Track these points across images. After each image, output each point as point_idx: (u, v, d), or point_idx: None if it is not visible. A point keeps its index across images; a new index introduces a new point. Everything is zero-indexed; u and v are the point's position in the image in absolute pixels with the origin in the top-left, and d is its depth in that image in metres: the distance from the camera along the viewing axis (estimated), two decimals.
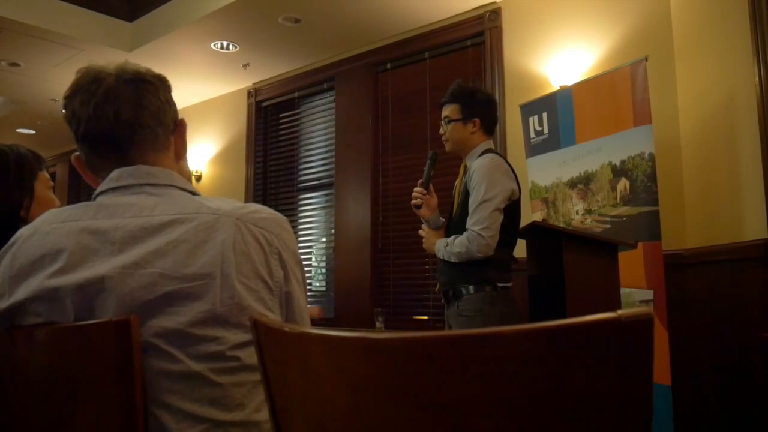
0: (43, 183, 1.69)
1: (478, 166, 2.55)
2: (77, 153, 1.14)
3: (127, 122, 1.07)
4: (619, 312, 0.49)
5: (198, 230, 0.99)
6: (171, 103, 1.15)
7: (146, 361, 0.92)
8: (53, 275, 0.98)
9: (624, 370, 0.50)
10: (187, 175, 1.21)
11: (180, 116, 1.18)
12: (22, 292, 0.99)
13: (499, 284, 2.53)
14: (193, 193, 1.11)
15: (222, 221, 1.01)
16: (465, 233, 2.49)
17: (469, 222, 2.49)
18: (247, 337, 0.97)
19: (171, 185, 1.08)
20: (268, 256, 1.03)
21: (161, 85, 1.13)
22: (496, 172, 2.53)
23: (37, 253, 1.01)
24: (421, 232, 2.78)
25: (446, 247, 2.57)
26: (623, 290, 2.59)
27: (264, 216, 1.06)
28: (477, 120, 2.67)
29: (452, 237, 2.57)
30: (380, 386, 0.57)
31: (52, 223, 1.04)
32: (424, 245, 2.76)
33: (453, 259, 2.54)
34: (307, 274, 5.51)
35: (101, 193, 1.08)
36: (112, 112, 1.05)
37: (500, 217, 2.49)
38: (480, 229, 2.45)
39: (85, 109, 1.06)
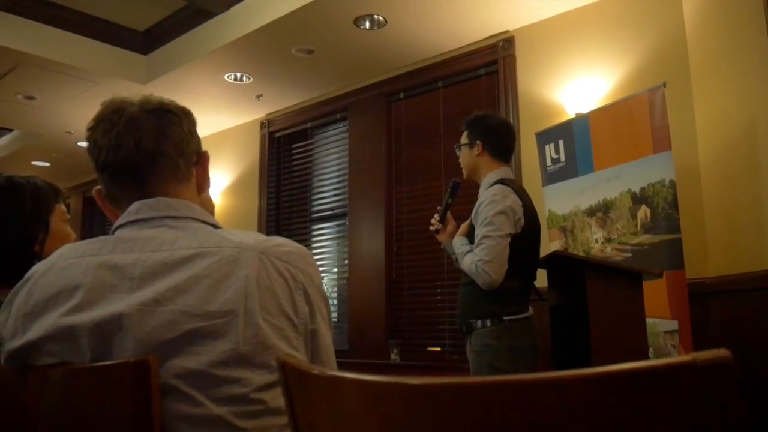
0: (59, 216, 1.67)
1: (482, 200, 2.54)
2: (98, 186, 1.12)
3: (148, 151, 1.04)
4: (693, 355, 0.44)
5: (220, 265, 0.95)
6: (194, 135, 1.13)
7: (165, 404, 0.87)
8: (69, 313, 0.94)
9: (699, 421, 0.45)
10: (210, 207, 1.17)
11: (204, 149, 1.16)
12: (36, 331, 0.95)
13: (506, 317, 2.46)
14: (215, 226, 1.07)
15: (245, 255, 0.97)
16: (474, 259, 2.47)
17: (478, 255, 2.46)
18: (272, 378, 0.92)
19: (192, 218, 1.05)
20: (293, 291, 0.99)
21: (185, 117, 1.12)
22: (503, 206, 2.49)
23: (52, 290, 0.97)
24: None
25: (459, 254, 2.60)
26: (647, 321, 2.51)
27: (288, 250, 1.02)
28: (479, 143, 2.65)
29: (467, 248, 2.56)
30: None
31: (68, 258, 1.01)
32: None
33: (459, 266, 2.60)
34: None
35: (120, 226, 1.04)
36: (133, 142, 1.03)
37: (507, 251, 2.45)
38: (486, 265, 2.42)
39: (107, 138, 1.04)
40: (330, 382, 0.60)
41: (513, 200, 2.52)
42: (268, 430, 0.92)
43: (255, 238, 1.02)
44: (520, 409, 0.48)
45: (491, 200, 2.49)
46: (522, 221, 2.51)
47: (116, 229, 1.05)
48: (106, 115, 1.06)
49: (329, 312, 1.08)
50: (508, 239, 2.45)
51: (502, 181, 2.61)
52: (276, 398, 0.92)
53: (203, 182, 1.15)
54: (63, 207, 1.69)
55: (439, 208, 2.73)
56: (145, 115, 1.06)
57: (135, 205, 1.04)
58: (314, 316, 1.01)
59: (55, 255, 1.04)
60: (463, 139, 2.73)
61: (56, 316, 0.94)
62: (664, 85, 3.07)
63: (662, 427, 0.46)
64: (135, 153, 1.04)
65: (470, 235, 2.59)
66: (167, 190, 1.07)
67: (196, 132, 1.14)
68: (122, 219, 1.05)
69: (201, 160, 1.14)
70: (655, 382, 0.46)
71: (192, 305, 0.92)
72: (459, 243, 2.60)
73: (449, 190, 2.72)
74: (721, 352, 0.44)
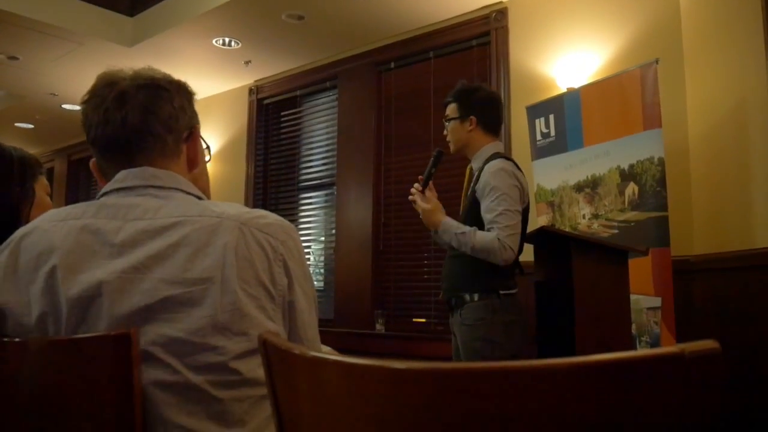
0: (41, 187, 1.67)
1: (491, 172, 2.46)
2: (94, 158, 1.13)
3: (135, 128, 1.05)
4: (682, 346, 0.43)
5: (200, 234, 0.96)
6: (186, 110, 1.13)
7: (141, 371, 0.87)
8: (49, 276, 0.94)
9: (686, 411, 0.45)
10: (202, 183, 1.17)
11: (195, 125, 1.16)
12: (14, 293, 0.96)
13: (502, 292, 2.46)
14: (199, 198, 1.08)
15: (225, 225, 0.97)
16: (494, 237, 2.37)
17: (500, 230, 2.37)
18: (249, 345, 0.93)
19: (176, 188, 1.05)
20: (272, 262, 0.99)
21: (176, 92, 1.11)
22: (513, 181, 2.45)
23: (34, 252, 0.98)
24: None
25: (460, 234, 2.43)
26: (631, 297, 2.53)
27: (269, 221, 1.03)
28: (473, 118, 2.59)
29: (473, 228, 2.45)
30: (407, 420, 0.52)
31: (52, 221, 1.01)
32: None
33: (463, 248, 2.42)
34: None
35: (105, 194, 1.05)
36: (120, 118, 1.04)
37: (520, 225, 2.44)
38: (510, 240, 2.36)
39: (96, 114, 1.05)
40: (311, 363, 0.59)
41: (520, 175, 2.50)
42: (244, 400, 0.93)
43: (237, 209, 1.02)
44: (505, 396, 0.47)
45: (503, 174, 2.44)
46: (527, 197, 2.51)
47: (101, 196, 1.05)
48: (99, 88, 1.06)
49: (312, 288, 1.07)
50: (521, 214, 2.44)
51: (503, 156, 2.58)
52: (253, 369, 0.93)
53: (194, 158, 1.15)
54: (45, 180, 1.70)
55: (420, 177, 2.68)
56: (134, 90, 1.05)
57: (121, 174, 1.05)
58: (292, 288, 1.01)
59: (39, 218, 1.04)
60: (452, 112, 2.65)
61: (39, 278, 0.95)
62: (657, 62, 3.05)
63: (649, 418, 0.45)
64: (121, 130, 1.04)
65: (470, 211, 2.53)
66: (154, 166, 1.07)
67: (189, 106, 1.14)
68: (108, 187, 1.05)
69: (192, 136, 1.14)
70: (642, 372, 0.45)
71: (171, 273, 0.92)
72: (456, 222, 2.49)
73: (432, 159, 2.67)
74: (710, 343, 0.44)
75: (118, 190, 1.04)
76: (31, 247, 0.99)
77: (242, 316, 0.93)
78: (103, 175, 1.11)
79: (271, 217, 1.04)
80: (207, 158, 1.24)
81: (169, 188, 1.04)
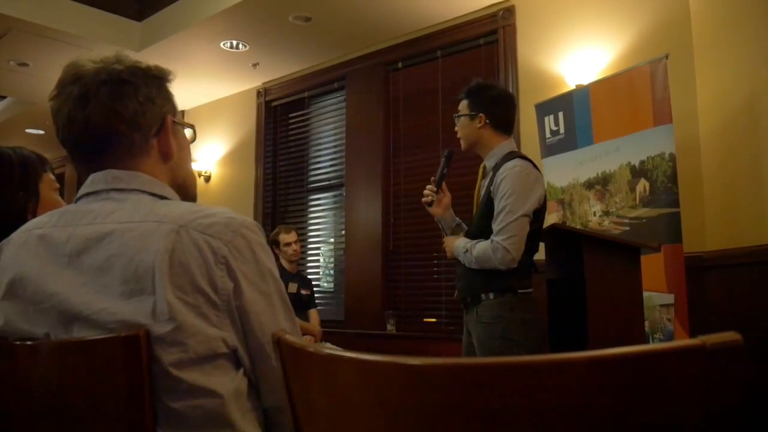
0: (48, 185, 1.64)
1: (507, 174, 2.43)
2: None
3: (98, 129, 1.01)
4: (703, 338, 0.42)
5: (135, 240, 0.92)
6: (155, 101, 1.06)
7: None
8: (9, 287, 0.96)
9: (707, 404, 0.44)
10: (179, 175, 1.12)
11: (168, 113, 1.09)
12: None
13: (520, 290, 2.44)
14: (162, 197, 1.03)
15: (161, 229, 0.92)
16: (489, 242, 2.38)
17: (496, 232, 2.38)
18: (183, 356, 0.88)
19: (138, 190, 1.02)
20: (212, 266, 0.92)
21: (143, 83, 1.05)
22: (527, 182, 2.41)
23: (3, 264, 1.00)
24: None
25: (465, 253, 2.48)
26: (643, 294, 2.51)
27: (214, 221, 0.95)
28: (482, 115, 2.57)
29: (473, 242, 2.47)
30: (422, 416, 0.51)
31: (24, 231, 1.02)
32: (446, 252, 2.66)
33: (473, 266, 2.45)
34: (316, 276, 5.45)
35: (78, 199, 1.04)
36: (83, 118, 1.00)
37: (527, 229, 2.40)
38: (506, 241, 2.33)
39: (61, 115, 1.02)
40: (325, 361, 0.59)
41: (536, 176, 2.47)
42: (193, 410, 0.89)
43: (184, 209, 0.97)
44: (525, 391, 0.46)
45: (517, 175, 2.41)
46: (543, 198, 2.48)
47: (77, 200, 1.04)
48: (64, 83, 1.03)
49: (273, 283, 1.00)
50: (530, 217, 2.41)
51: (518, 155, 2.55)
52: (197, 378, 0.89)
53: (168, 151, 1.08)
54: (51, 176, 1.66)
55: (432, 178, 2.66)
56: (96, 87, 1.01)
57: (90, 178, 1.03)
58: (240, 292, 0.94)
59: (20, 228, 1.04)
60: (463, 109, 2.63)
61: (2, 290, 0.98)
62: (667, 57, 3.02)
63: (670, 410, 0.44)
64: (85, 131, 1.01)
65: (486, 211, 2.52)
66: (123, 166, 1.03)
67: (159, 94, 1.07)
68: (79, 192, 1.04)
69: (162, 130, 1.08)
70: (664, 364, 0.44)
71: (109, 284, 0.90)
72: (463, 242, 2.52)
73: (443, 160, 2.65)
74: (731, 335, 0.43)
75: (87, 195, 1.02)
76: (3, 259, 1.00)
77: (176, 326, 0.87)
78: (78, 177, 1.09)
79: (219, 215, 0.97)
80: (191, 139, 1.18)
81: (131, 190, 1.01)
